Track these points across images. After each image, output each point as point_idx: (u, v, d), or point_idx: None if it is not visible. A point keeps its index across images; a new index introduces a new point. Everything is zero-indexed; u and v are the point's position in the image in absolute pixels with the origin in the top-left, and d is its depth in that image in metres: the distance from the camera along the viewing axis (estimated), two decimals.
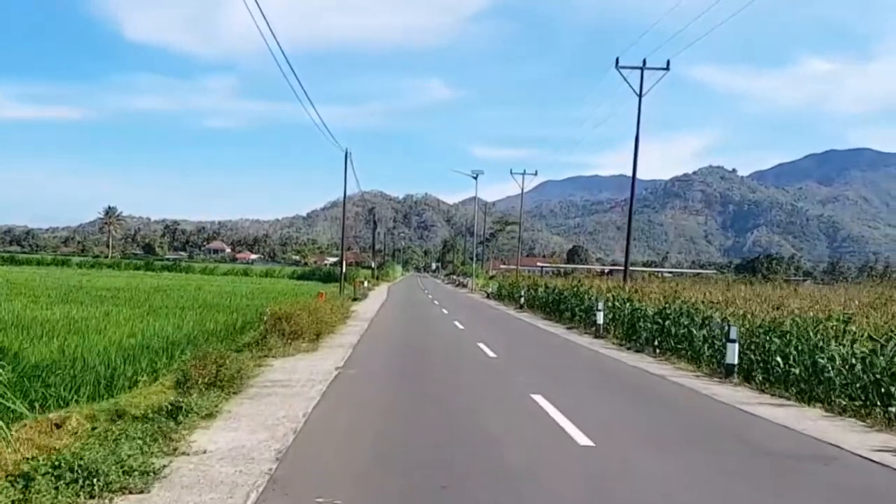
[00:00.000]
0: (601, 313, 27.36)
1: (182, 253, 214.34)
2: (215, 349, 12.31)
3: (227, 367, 11.35)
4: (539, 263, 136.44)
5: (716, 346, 18.03)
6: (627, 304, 26.23)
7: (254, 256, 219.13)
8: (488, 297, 61.93)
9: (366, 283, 62.48)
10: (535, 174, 76.73)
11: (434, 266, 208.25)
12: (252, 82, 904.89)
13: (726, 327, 16.78)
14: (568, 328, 30.87)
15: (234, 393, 11.36)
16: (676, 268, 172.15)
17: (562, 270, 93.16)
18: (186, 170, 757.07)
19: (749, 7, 25.84)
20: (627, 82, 36.80)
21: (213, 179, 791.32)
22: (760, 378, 15.42)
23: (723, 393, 14.03)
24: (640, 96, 36.69)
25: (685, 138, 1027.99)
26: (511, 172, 75.20)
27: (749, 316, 17.87)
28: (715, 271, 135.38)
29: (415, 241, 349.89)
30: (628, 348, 22.81)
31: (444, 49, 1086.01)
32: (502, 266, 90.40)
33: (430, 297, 58.88)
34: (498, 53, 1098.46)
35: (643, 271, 77.72)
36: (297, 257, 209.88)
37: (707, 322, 19.32)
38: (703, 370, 17.57)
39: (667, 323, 21.56)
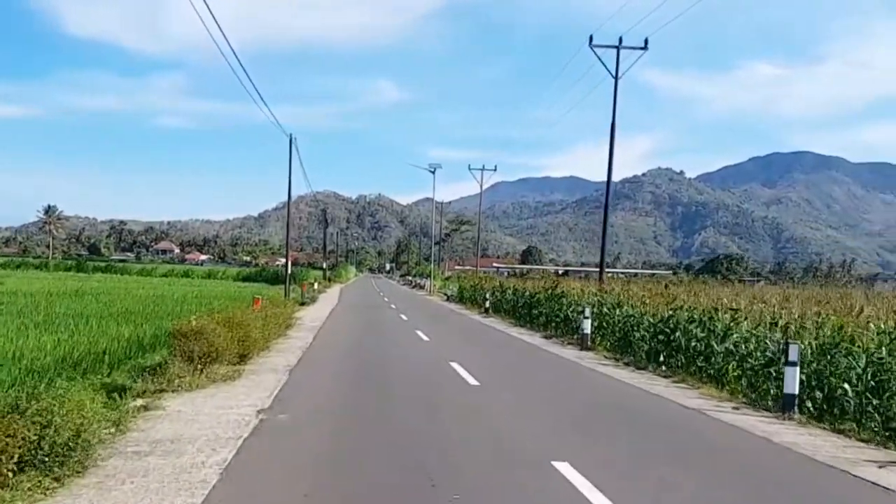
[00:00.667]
0: (588, 321, 22.81)
1: (129, 254, 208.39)
2: (62, 387, 7.60)
3: (57, 429, 6.75)
4: (495, 264, 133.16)
5: (746, 366, 14.30)
6: (617, 310, 22.23)
7: (203, 257, 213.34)
8: (448, 300, 57.21)
9: (316, 286, 57.23)
10: (495, 170, 74.46)
11: (388, 267, 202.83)
12: (202, 81, 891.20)
13: (782, 345, 12.79)
14: (545, 337, 26.68)
15: (70, 476, 6.77)
16: (628, 268, 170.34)
17: (518, 271, 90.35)
18: (135, 169, 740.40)
19: (697, 11, 23.08)
20: (602, 63, 33.98)
21: (162, 179, 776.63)
22: (831, 412, 11.61)
23: (806, 444, 9.92)
24: (615, 78, 33.77)
25: (635, 140, 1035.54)
26: (469, 168, 73.42)
27: (794, 327, 14.03)
28: (670, 271, 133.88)
29: (368, 242, 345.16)
30: (626, 364, 18.77)
31: (397, 49, 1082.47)
32: (457, 267, 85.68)
33: (385, 299, 53.94)
34: (451, 54, 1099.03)
35: (595, 272, 74.85)
36: (248, 258, 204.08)
37: (727, 334, 15.62)
38: (739, 398, 13.59)
39: (676, 334, 17.53)
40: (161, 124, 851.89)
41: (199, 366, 13.12)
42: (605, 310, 23.32)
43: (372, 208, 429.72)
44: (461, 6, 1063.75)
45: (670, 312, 18.52)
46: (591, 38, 33.62)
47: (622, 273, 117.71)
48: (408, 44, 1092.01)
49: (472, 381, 14.59)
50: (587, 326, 22.78)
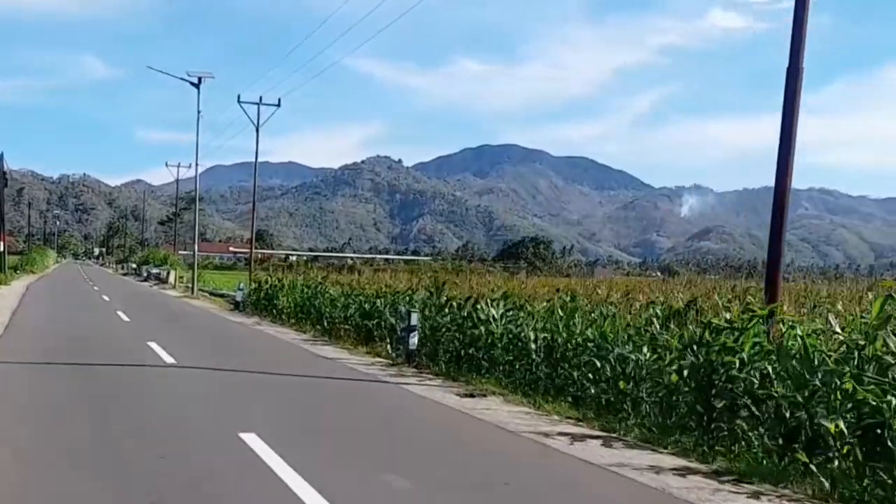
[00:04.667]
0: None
1: None
2: None
3: None
4: (232, 249, 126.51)
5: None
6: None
7: None
8: (239, 309, 30.48)
9: None
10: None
11: (97, 252, 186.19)
12: None
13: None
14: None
15: None
16: (352, 254, 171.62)
17: (297, 259, 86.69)
18: None
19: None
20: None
21: None
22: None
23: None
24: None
25: (354, 127, 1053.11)
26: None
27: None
28: (430, 258, 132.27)
29: (73, 226, 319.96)
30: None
31: (105, 23, 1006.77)
32: (182, 252, 79.85)
33: (124, 317, 24.65)
34: (164, 32, 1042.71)
35: (330, 256, 76.42)
36: None
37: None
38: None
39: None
40: None
41: None
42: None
43: (76, 189, 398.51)
44: None
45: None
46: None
47: (357, 258, 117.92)
48: (117, 18, 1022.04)
49: None
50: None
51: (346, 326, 19.84)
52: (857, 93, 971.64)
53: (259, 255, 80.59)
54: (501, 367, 13.01)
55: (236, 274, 69.14)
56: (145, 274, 69.64)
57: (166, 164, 69.91)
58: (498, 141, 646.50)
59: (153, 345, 16.39)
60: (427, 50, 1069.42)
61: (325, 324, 21.45)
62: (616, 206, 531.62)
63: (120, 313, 26.12)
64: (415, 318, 15.17)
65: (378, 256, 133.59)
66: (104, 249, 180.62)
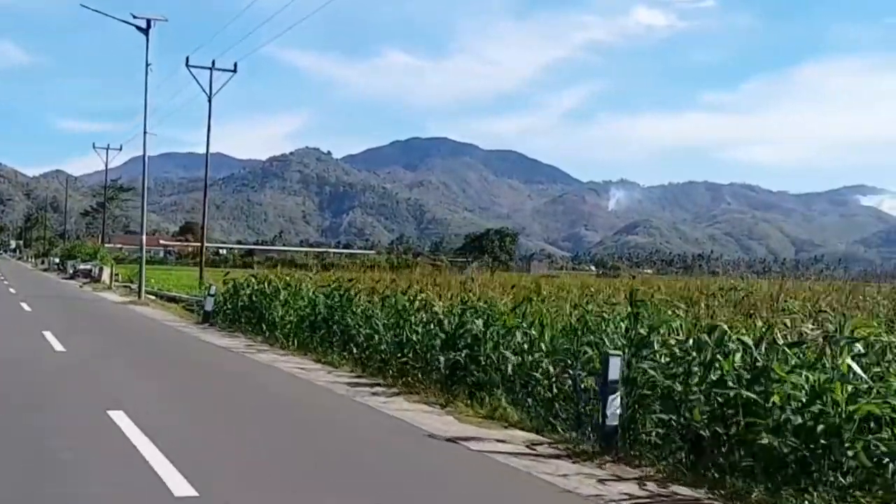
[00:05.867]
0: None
1: None
2: None
3: None
4: (163, 242, 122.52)
5: None
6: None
7: None
8: (209, 322, 22.68)
9: None
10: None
11: (13, 245, 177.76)
12: None
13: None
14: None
15: None
16: (291, 247, 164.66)
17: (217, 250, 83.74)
18: None
19: None
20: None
21: None
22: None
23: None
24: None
25: (281, 119, 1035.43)
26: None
27: None
28: (373, 252, 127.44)
29: None
30: None
31: (19, 10, 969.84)
32: (108, 245, 75.24)
33: (55, 343, 16.19)
34: (77, 20, 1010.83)
35: (267, 250, 73.60)
36: None
37: None
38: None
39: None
40: None
41: None
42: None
43: None
44: None
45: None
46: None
47: (298, 251, 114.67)
48: (34, 4, 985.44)
49: None
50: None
51: (412, 363, 12.63)
52: (776, 90, 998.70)
53: (190, 249, 77.14)
54: None
55: (181, 271, 64.36)
56: (71, 270, 60.16)
57: (93, 146, 66.95)
58: (428, 134, 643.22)
59: (127, 427, 8.45)
60: (355, 41, 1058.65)
61: (364, 354, 14.37)
62: (545, 200, 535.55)
63: (48, 335, 17.33)
64: (615, 369, 8.11)
65: (316, 250, 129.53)
66: (21, 242, 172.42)
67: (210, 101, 35.63)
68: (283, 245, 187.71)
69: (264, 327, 18.89)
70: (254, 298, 20.31)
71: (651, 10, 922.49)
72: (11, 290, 37.67)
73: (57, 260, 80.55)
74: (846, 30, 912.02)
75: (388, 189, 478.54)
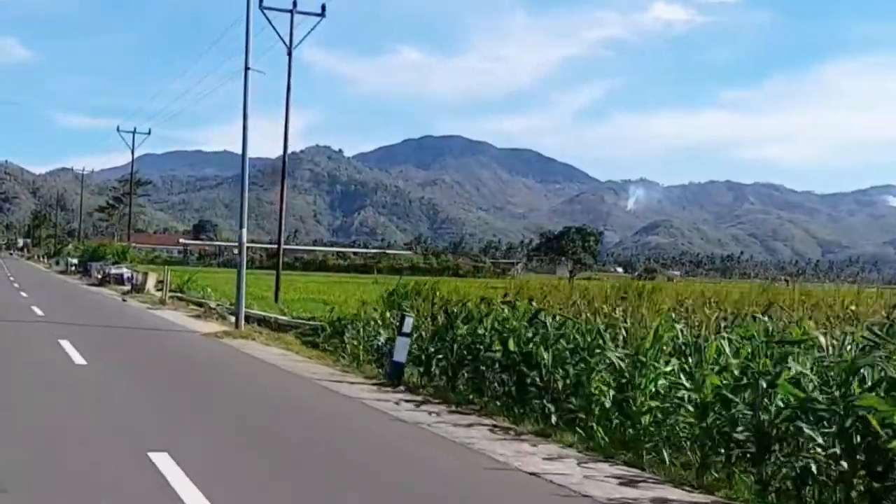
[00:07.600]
0: None
1: None
2: None
3: None
4: (183, 241, 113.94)
5: None
6: None
7: None
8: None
9: None
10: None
11: (21, 244, 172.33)
12: None
13: None
14: None
15: None
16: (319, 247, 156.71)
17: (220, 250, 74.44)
18: None
19: None
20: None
21: None
22: None
23: None
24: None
25: (293, 116, 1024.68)
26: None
27: None
28: (410, 252, 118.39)
29: None
30: None
31: (22, 5, 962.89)
32: (120, 244, 66.19)
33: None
34: (83, 18, 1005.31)
35: (296, 250, 63.61)
36: None
37: None
38: None
39: None
40: None
41: None
42: None
43: None
44: None
45: None
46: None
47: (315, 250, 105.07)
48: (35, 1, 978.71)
49: None
50: None
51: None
52: (798, 89, 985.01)
53: (204, 250, 68.44)
54: None
55: (218, 273, 56.40)
56: (99, 275, 49.91)
57: (118, 129, 64.08)
58: (441, 132, 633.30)
59: None
60: (366, 38, 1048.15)
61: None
62: (562, 199, 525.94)
63: (162, 465, 6.84)
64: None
65: (347, 250, 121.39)
66: (29, 241, 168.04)
67: (290, 53, 31.16)
68: (296, 245, 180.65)
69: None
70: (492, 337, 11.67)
71: (670, 6, 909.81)
72: (36, 309, 24.84)
73: (75, 261, 69.20)
74: (869, 28, 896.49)
75: (401, 188, 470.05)
